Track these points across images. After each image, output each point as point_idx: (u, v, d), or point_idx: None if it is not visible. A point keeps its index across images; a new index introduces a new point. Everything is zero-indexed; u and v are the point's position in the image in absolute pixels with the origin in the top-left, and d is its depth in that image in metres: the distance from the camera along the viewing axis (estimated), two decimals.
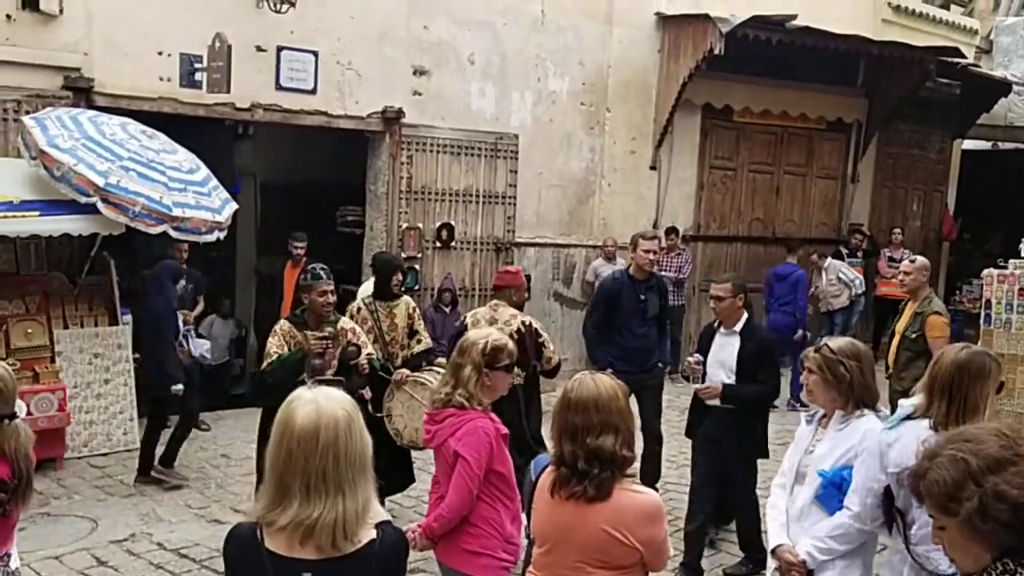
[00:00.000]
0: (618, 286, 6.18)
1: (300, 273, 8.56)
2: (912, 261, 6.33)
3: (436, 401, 3.27)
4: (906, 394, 5.63)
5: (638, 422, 5.71)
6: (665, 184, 11.00)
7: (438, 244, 9.46)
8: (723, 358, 4.91)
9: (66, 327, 7.23)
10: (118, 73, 7.68)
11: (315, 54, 8.58)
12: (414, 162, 9.27)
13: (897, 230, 12.04)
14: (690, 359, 5.07)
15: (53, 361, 7.00)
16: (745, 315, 5.02)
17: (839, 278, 11.15)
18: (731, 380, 4.92)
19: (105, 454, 7.07)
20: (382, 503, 5.98)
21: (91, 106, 7.47)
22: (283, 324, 4.94)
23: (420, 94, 9.27)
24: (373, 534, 1.95)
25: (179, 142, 10.27)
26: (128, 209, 6.50)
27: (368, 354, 5.12)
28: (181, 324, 7.16)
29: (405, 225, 9.27)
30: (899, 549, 2.86)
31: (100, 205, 6.42)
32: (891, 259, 11.65)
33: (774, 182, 11.92)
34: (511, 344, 3.37)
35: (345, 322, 5.09)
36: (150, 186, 6.64)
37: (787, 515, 3.07)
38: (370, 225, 9.47)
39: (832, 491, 2.91)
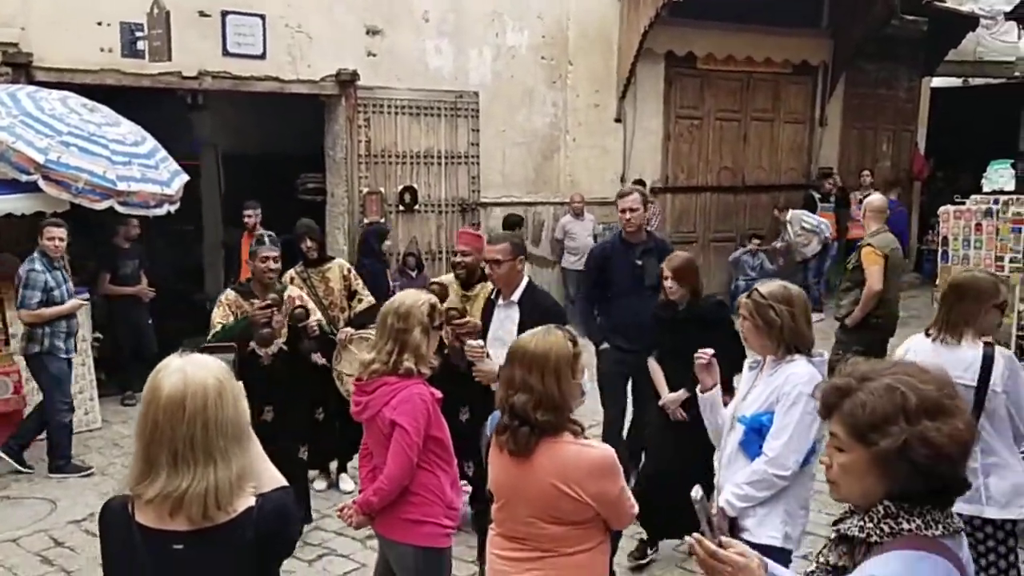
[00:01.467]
0: (607, 252, 5.49)
1: None
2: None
3: (373, 371, 3.07)
4: (844, 320, 5.99)
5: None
6: (631, 136, 10.87)
7: (401, 208, 9.32)
8: (502, 335, 4.00)
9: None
10: (57, 46, 7.46)
11: (262, 17, 8.37)
12: (372, 125, 9.09)
13: (866, 172, 11.97)
14: (472, 344, 4.02)
15: (7, 344, 6.86)
16: (525, 280, 4.28)
17: (803, 227, 11.09)
18: None
19: None
20: (343, 469, 5.99)
21: (31, 81, 7.27)
22: (228, 294, 4.83)
23: (374, 55, 9.07)
24: (251, 502, 1.89)
25: (132, 115, 10.09)
26: (71, 185, 6.34)
27: (318, 320, 5.02)
28: None
29: (366, 190, 9.12)
30: None
31: (41, 182, 6.26)
32: (862, 202, 11.57)
33: (741, 129, 11.80)
34: (440, 303, 3.31)
35: (292, 290, 4.99)
36: (92, 160, 6.47)
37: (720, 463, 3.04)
38: (331, 192, 9.33)
39: (753, 437, 2.86)
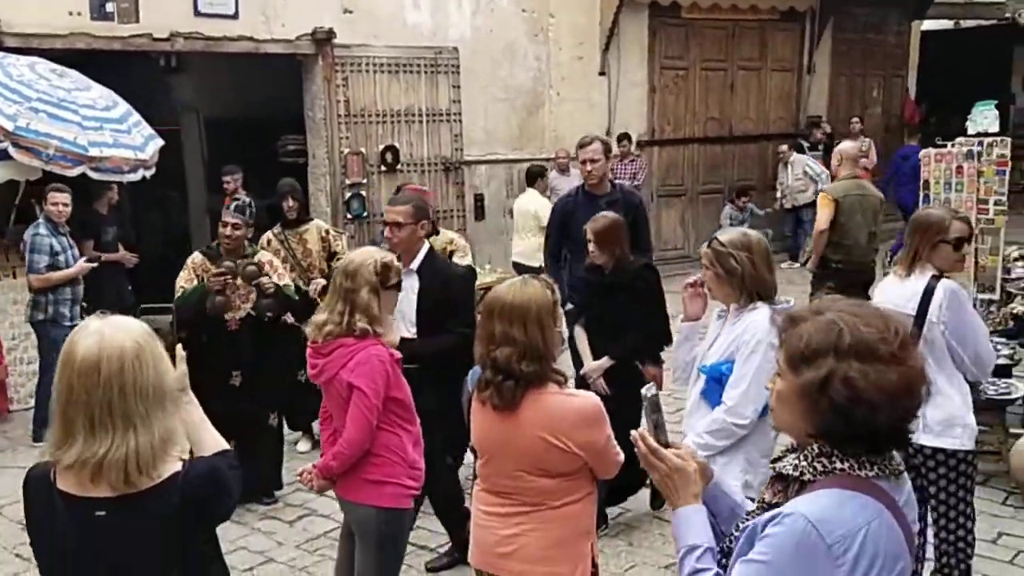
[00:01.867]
0: (570, 205, 5.17)
1: None
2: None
3: (328, 333, 2.98)
4: (804, 263, 6.15)
5: None
6: (615, 89, 10.72)
7: (383, 168, 9.21)
8: (402, 308, 3.69)
9: None
10: (24, 11, 7.29)
11: None
12: (350, 84, 8.95)
13: (855, 119, 11.84)
14: None
15: None
16: (425, 247, 3.93)
17: (805, 172, 11.01)
18: (412, 333, 3.81)
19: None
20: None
21: (0, 48, 7.12)
22: (195, 256, 4.79)
23: (351, 12, 8.90)
24: (178, 467, 1.85)
25: (110, 81, 9.96)
26: (41, 152, 6.24)
27: (286, 284, 4.91)
28: None
29: (347, 150, 9.01)
30: None
31: (11, 150, 6.15)
32: None
33: (728, 79, 11.63)
34: (396, 260, 3.17)
35: (263, 254, 4.92)
36: (63, 127, 6.36)
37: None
38: (312, 153, 9.22)
39: (713, 386, 2.83)
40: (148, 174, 7.07)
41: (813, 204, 11.07)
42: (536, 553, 2.56)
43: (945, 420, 3.29)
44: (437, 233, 4.91)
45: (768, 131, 12.11)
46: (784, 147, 11.30)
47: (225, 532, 4.70)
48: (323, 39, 8.67)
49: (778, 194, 11.49)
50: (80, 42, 7.63)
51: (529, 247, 7.77)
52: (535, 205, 7.96)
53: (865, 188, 6.48)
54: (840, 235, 6.27)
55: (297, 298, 5.03)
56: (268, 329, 4.87)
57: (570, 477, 2.54)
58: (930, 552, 3.65)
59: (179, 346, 2.11)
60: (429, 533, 4.43)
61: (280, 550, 4.36)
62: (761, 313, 2.82)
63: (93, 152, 6.42)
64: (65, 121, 6.41)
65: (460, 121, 9.58)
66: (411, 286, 3.79)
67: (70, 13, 7.50)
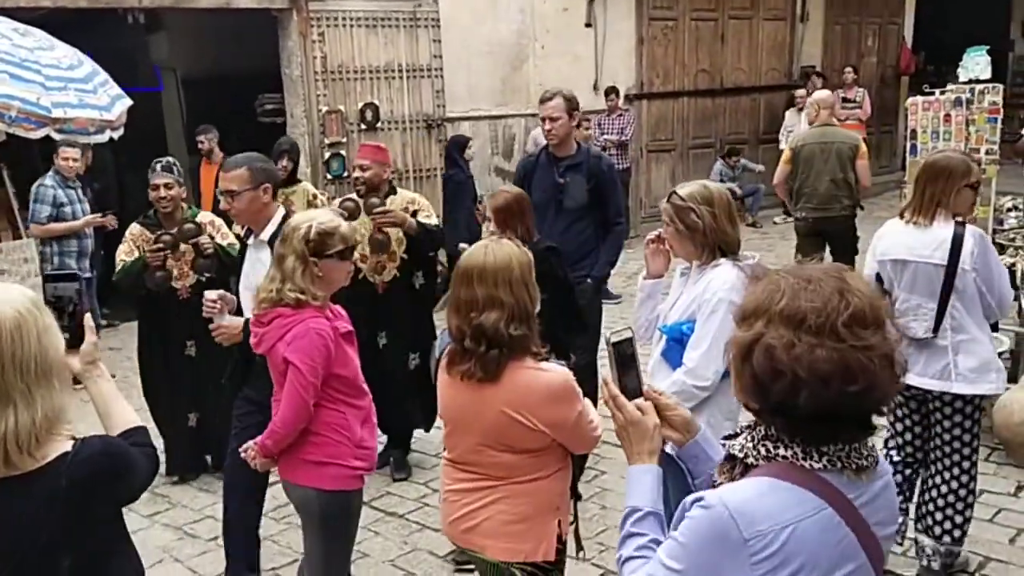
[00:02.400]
0: (530, 167, 4.77)
1: (219, 169, 8.27)
2: None
3: (263, 300, 2.81)
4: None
5: None
6: (602, 41, 10.46)
7: (363, 126, 8.99)
8: (254, 280, 3.23)
9: None
10: None
11: None
12: (327, 40, 8.70)
13: (849, 69, 11.57)
14: (208, 295, 3.36)
15: None
16: (279, 214, 3.54)
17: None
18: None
19: None
20: None
21: None
22: (134, 227, 4.61)
23: None
24: (67, 447, 1.72)
25: (87, 43, 9.72)
26: (3, 115, 5.99)
27: (230, 244, 4.65)
28: None
29: (325, 109, 8.78)
30: None
31: None
32: (845, 100, 11.22)
33: (719, 29, 11.36)
34: (344, 227, 2.88)
35: (204, 215, 4.74)
36: (25, 87, 6.13)
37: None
38: (290, 112, 8.99)
39: (674, 346, 2.69)
40: (116, 135, 6.85)
41: None
42: (498, 528, 2.45)
43: (980, 366, 3.35)
44: (395, 192, 4.67)
45: (760, 83, 11.87)
46: (801, 92, 11.04)
47: (193, 500, 4.66)
48: None
49: (783, 143, 11.21)
50: (46, 0, 7.38)
51: None
52: None
53: (830, 136, 6.47)
54: (799, 184, 6.44)
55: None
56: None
57: (536, 453, 2.42)
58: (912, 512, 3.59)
59: (87, 316, 1.98)
60: (399, 499, 4.34)
61: None
62: (723, 270, 2.68)
63: (57, 113, 6.20)
64: (27, 82, 6.18)
65: (441, 77, 9.33)
66: (262, 258, 3.43)
67: None
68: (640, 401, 1.67)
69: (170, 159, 4.77)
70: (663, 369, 2.77)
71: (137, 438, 1.87)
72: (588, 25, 10.32)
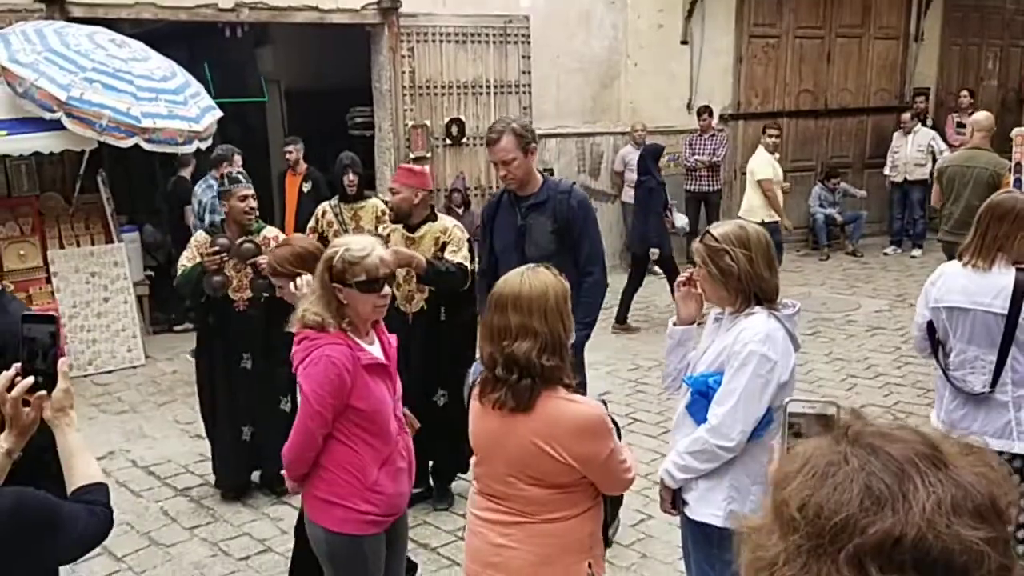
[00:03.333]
0: (492, 209, 4.18)
1: (302, 180, 8.41)
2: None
3: (297, 319, 2.70)
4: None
5: None
6: (698, 59, 10.15)
7: (448, 141, 8.98)
8: None
9: (62, 247, 7.18)
10: None
11: None
12: (416, 55, 8.74)
13: (965, 93, 10.85)
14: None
15: (49, 282, 6.99)
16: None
17: (930, 146, 10.17)
18: None
19: (110, 371, 7.08)
20: None
21: (66, 18, 7.21)
22: (199, 235, 4.62)
23: None
24: None
25: (198, 53, 10.12)
26: (94, 123, 6.28)
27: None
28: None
29: (411, 123, 8.82)
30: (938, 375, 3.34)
31: (65, 120, 6.21)
32: (959, 125, 10.54)
33: (825, 47, 10.86)
34: (372, 258, 2.63)
35: (270, 230, 4.68)
36: (116, 97, 6.38)
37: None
38: (378, 126, 9.08)
39: (699, 400, 2.45)
40: (203, 145, 7.05)
41: (924, 182, 10.34)
42: (523, 568, 2.33)
43: None
44: (434, 219, 4.39)
45: (868, 104, 11.29)
46: (907, 115, 10.45)
47: (235, 516, 4.66)
48: (389, 8, 8.48)
49: (887, 166, 10.64)
50: (146, 12, 7.67)
51: (750, 203, 8.03)
52: (754, 162, 8.14)
53: (975, 160, 6.34)
54: (944, 206, 6.42)
55: None
56: (278, 309, 4.68)
57: (566, 489, 2.29)
58: None
59: (62, 360, 1.87)
60: (434, 530, 4.22)
61: (282, 539, 4.21)
62: (757, 320, 2.43)
63: (146, 123, 6.42)
64: (119, 91, 6.42)
65: (529, 93, 9.24)
66: None
67: None
68: None
69: (241, 170, 4.76)
70: (686, 425, 2.54)
71: (92, 496, 1.77)
72: (684, 42, 10.04)
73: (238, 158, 6.96)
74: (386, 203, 6.38)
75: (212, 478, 4.86)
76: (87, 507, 1.76)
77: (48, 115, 6.21)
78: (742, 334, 2.41)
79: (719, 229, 2.52)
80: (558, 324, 2.26)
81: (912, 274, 9.46)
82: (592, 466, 2.26)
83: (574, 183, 4.25)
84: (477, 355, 2.49)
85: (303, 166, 8.38)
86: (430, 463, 4.56)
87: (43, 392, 1.82)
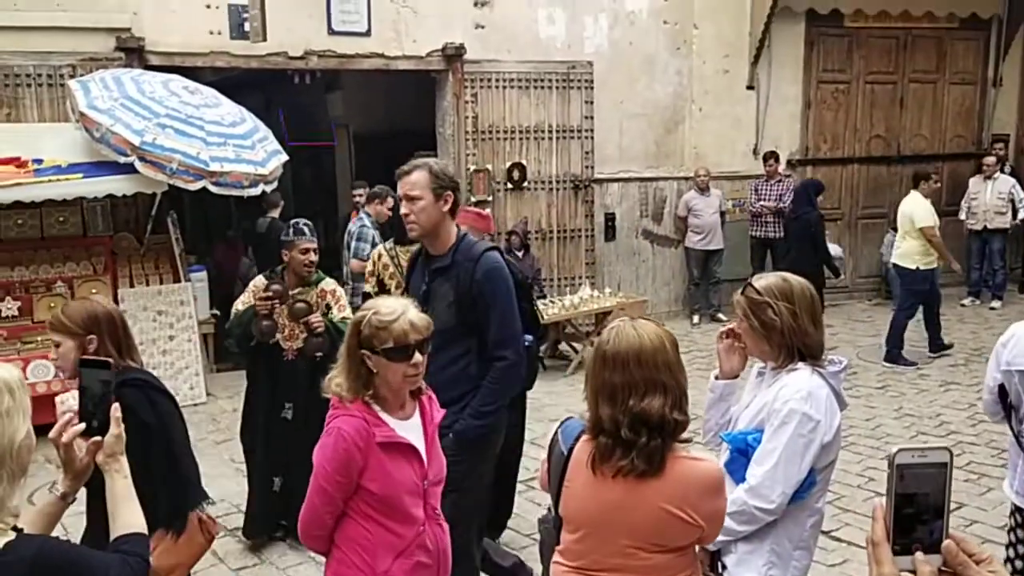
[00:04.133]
0: (411, 263, 3.68)
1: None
2: None
3: (325, 385, 2.52)
4: None
5: None
6: (765, 104, 10.02)
7: (509, 185, 9.02)
8: None
9: (132, 286, 7.40)
10: (168, 30, 7.68)
11: None
12: (479, 100, 8.84)
13: None
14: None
15: None
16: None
17: (1011, 194, 9.83)
18: None
19: None
20: None
21: (144, 66, 7.52)
22: (258, 280, 4.65)
23: (483, 27, 8.80)
24: (1, 541, 1.60)
25: (272, 99, 10.47)
26: (165, 166, 6.50)
27: (343, 318, 4.56)
28: None
29: (473, 167, 8.89)
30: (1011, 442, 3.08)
31: (138, 164, 6.44)
32: None
33: (897, 93, 10.61)
34: (402, 324, 2.38)
35: (328, 282, 4.66)
36: (187, 142, 6.60)
37: None
38: None
39: (738, 458, 2.33)
40: (268, 188, 7.23)
41: (1005, 231, 9.96)
42: None
43: None
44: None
45: (944, 151, 10.95)
46: (991, 160, 10.11)
47: (280, 558, 4.66)
48: (453, 55, 8.61)
49: (963, 212, 10.26)
50: (220, 60, 7.95)
51: (907, 249, 7.91)
52: (910, 206, 7.96)
53: None
54: None
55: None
56: (325, 362, 4.68)
57: (684, 550, 2.17)
58: None
59: (115, 406, 1.89)
60: None
61: None
62: (800, 376, 2.32)
63: (214, 167, 6.62)
64: (190, 137, 6.65)
65: (592, 137, 9.24)
66: None
67: (210, 32, 7.82)
68: (929, 559, 1.06)
69: (306, 221, 4.72)
70: (727, 482, 2.43)
71: (130, 546, 1.76)
72: (750, 87, 9.93)
73: (390, 200, 7.01)
74: None
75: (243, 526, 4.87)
76: (121, 557, 1.74)
77: (122, 159, 6.45)
78: (783, 391, 2.30)
79: (761, 281, 2.42)
80: (681, 376, 2.15)
81: (991, 327, 9.06)
82: (717, 523, 2.15)
83: (491, 249, 3.41)
84: (564, 418, 2.35)
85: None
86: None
87: (97, 437, 1.85)
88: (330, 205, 12.98)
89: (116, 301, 7.26)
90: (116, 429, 1.86)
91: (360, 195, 8.74)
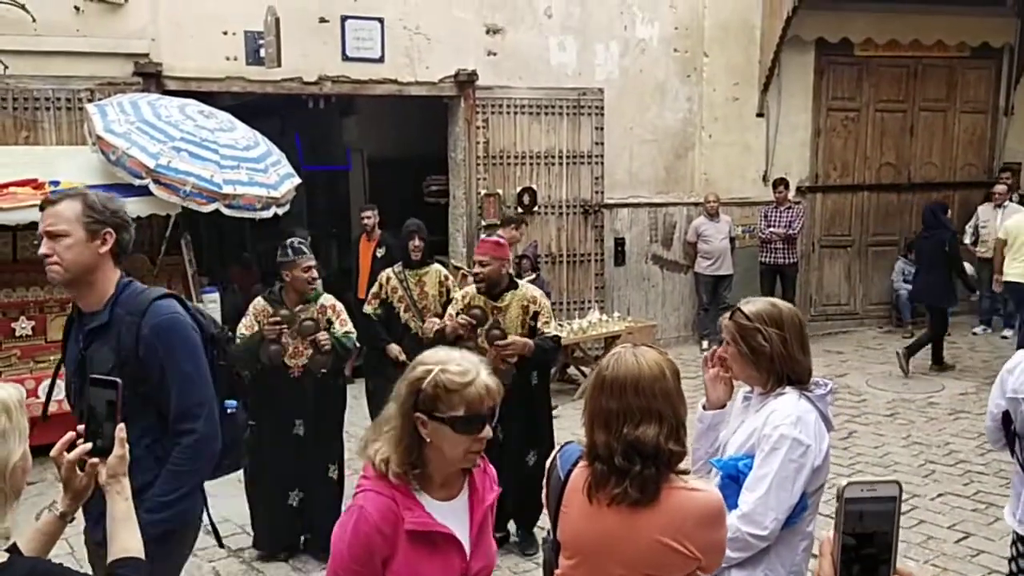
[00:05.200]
0: (66, 328, 2.86)
1: (376, 246, 8.60)
2: None
3: (360, 449, 2.14)
4: None
5: None
6: (774, 132, 10.07)
7: (520, 210, 9.08)
8: None
9: None
10: (185, 56, 7.82)
11: (380, 21, 8.41)
12: (490, 125, 8.93)
13: None
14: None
15: None
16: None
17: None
18: None
19: None
20: None
21: (162, 90, 7.64)
22: (257, 302, 4.73)
23: (495, 54, 8.91)
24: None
25: (288, 124, 10.59)
26: (179, 189, 6.59)
27: (346, 332, 4.74)
28: None
29: (484, 192, 8.96)
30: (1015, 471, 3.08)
31: (152, 187, 6.54)
32: None
33: (907, 121, 10.64)
34: (478, 388, 1.99)
35: (326, 298, 4.77)
36: (201, 165, 6.70)
37: None
38: (452, 194, 9.26)
39: (729, 484, 2.34)
40: (280, 211, 7.30)
41: None
42: None
43: None
44: (515, 287, 4.71)
45: (954, 179, 10.96)
46: (1001, 188, 10.12)
47: None
48: (465, 81, 8.72)
49: (968, 236, 10.23)
50: (235, 85, 8.07)
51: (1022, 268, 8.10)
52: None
53: None
54: None
55: (356, 346, 4.86)
56: (331, 379, 4.76)
57: None
58: None
59: (120, 426, 1.88)
60: None
61: None
62: (788, 401, 2.34)
63: (227, 190, 6.71)
64: (204, 160, 6.75)
65: (602, 163, 9.31)
66: None
67: (227, 58, 7.95)
68: None
69: (300, 240, 4.79)
70: None
71: (126, 570, 1.78)
72: (760, 115, 9.99)
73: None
74: (456, 268, 6.55)
75: (250, 540, 4.90)
76: None
77: (137, 181, 6.55)
78: (772, 416, 2.32)
79: (750, 306, 2.44)
80: (680, 406, 2.10)
81: (1003, 355, 8.95)
82: (713, 553, 2.09)
83: (163, 296, 2.67)
84: (561, 442, 2.31)
85: (378, 232, 8.59)
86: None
87: (96, 459, 1.85)
88: (344, 228, 13.09)
89: None
90: (120, 450, 1.86)
91: (369, 217, 8.83)
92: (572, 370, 8.59)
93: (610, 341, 8.33)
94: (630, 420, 2.04)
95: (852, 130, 10.42)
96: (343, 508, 4.90)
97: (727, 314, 2.50)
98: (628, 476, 2.02)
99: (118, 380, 1.95)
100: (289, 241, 4.67)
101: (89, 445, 1.85)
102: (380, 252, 8.52)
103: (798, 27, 9.50)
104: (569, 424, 7.12)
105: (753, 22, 9.78)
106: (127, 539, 1.83)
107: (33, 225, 6.83)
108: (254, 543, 4.84)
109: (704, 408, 2.62)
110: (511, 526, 4.99)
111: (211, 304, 8.13)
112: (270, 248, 10.90)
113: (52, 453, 1.81)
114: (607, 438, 2.06)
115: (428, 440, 1.96)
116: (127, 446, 1.90)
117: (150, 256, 7.72)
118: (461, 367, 1.99)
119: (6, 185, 6.52)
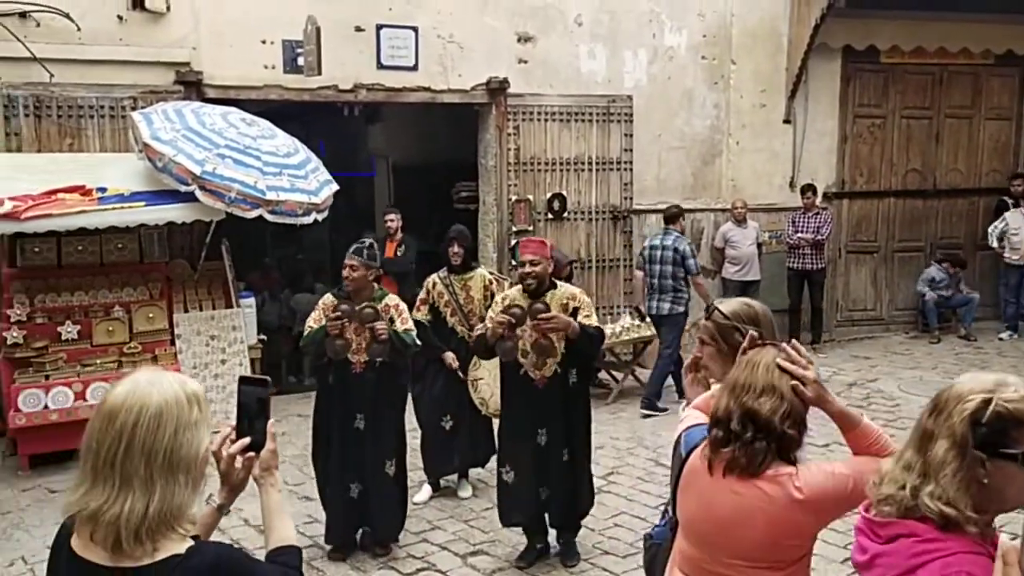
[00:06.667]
0: None
1: (396, 247, 8.71)
2: None
3: (884, 499, 1.77)
4: None
5: None
6: (801, 138, 10.14)
7: (550, 215, 9.18)
8: None
9: (186, 311, 7.60)
10: (225, 64, 7.95)
11: (415, 30, 8.52)
12: (521, 132, 9.03)
13: None
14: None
15: (172, 344, 7.38)
16: None
17: None
18: None
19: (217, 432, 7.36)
20: (464, 475, 5.89)
21: (202, 98, 7.78)
22: (326, 298, 4.90)
23: (526, 62, 9.01)
24: (181, 548, 1.67)
25: (313, 130, 10.70)
26: (224, 195, 6.70)
27: (407, 330, 4.86)
28: None
29: (514, 198, 9.06)
30: None
31: (198, 193, 6.65)
32: None
33: (933, 128, 10.70)
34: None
35: (391, 299, 4.91)
36: (245, 172, 6.81)
37: None
38: (482, 200, 9.36)
39: None
40: (320, 217, 7.41)
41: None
42: None
43: None
44: (555, 287, 4.73)
45: (980, 185, 11.01)
46: (1018, 189, 10.17)
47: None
48: (497, 88, 8.82)
49: (993, 239, 10.28)
50: (273, 93, 8.20)
51: None
52: None
53: None
54: None
55: (417, 344, 4.94)
56: (390, 372, 4.86)
57: (796, 565, 2.20)
58: None
59: (270, 422, 1.97)
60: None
61: None
62: None
63: (270, 196, 6.82)
64: (248, 167, 6.86)
65: (631, 169, 9.40)
66: None
67: (265, 67, 8.08)
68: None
69: (366, 242, 4.95)
70: None
71: (286, 558, 1.85)
72: (787, 121, 10.07)
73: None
74: (494, 274, 6.64)
75: (321, 539, 5.00)
76: (282, 569, 1.82)
77: (183, 188, 6.66)
78: None
79: (726, 306, 2.53)
80: (800, 400, 2.15)
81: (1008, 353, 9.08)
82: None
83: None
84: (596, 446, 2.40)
85: (399, 235, 8.70)
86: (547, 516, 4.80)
87: (252, 453, 1.92)
88: (367, 233, 13.20)
89: (171, 325, 7.47)
90: (271, 445, 1.94)
91: (392, 220, 8.93)
92: (603, 375, 8.66)
93: (640, 346, 8.41)
94: (752, 390, 2.15)
95: (878, 136, 10.48)
96: (398, 504, 5.02)
97: (703, 314, 2.59)
98: (740, 442, 2.12)
99: (267, 378, 2.07)
100: (360, 240, 4.86)
101: (247, 440, 1.92)
102: (400, 251, 8.65)
103: (825, 35, 9.57)
104: (605, 428, 7.20)
105: (780, 30, 9.86)
106: (283, 528, 1.90)
107: (80, 231, 7.00)
108: (326, 537, 4.95)
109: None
110: (550, 537, 4.94)
111: (247, 309, 8.25)
112: (289, 254, 11.10)
113: (212, 448, 1.90)
114: (728, 402, 2.17)
115: (985, 480, 1.66)
116: (276, 441, 1.99)
117: (190, 261, 7.85)
118: (1020, 392, 1.70)
119: (55, 191, 6.65)
